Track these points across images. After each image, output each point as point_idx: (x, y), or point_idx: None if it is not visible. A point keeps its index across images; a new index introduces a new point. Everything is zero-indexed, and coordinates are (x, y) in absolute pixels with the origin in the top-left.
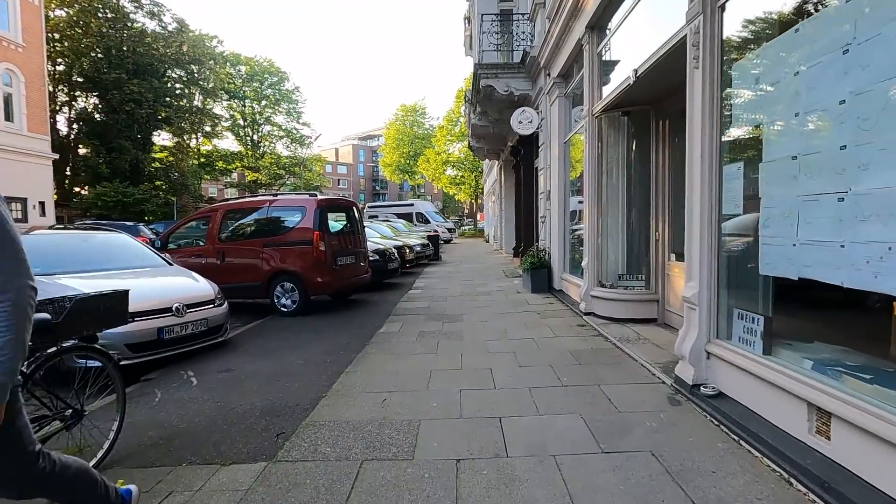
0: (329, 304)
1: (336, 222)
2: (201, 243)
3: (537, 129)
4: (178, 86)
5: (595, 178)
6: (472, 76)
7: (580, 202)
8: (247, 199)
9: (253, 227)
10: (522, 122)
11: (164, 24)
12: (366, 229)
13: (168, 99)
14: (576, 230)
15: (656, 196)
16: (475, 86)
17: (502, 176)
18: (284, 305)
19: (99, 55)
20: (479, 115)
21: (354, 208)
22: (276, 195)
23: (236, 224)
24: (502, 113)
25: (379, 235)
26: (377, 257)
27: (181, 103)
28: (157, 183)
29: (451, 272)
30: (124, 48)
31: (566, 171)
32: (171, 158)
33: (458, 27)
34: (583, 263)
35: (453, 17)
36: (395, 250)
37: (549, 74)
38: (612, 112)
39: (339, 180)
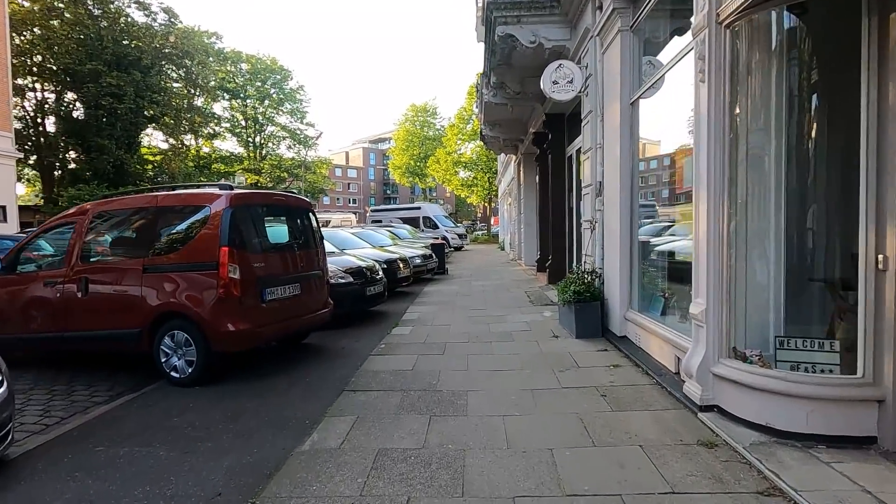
0: (261, 356)
1: (273, 231)
2: (60, 265)
3: (580, 91)
4: (174, 84)
5: (721, 148)
6: (485, 27)
7: (649, 200)
8: (128, 196)
9: (132, 240)
10: (559, 81)
11: (151, 14)
12: (352, 239)
13: (156, 95)
14: (656, 245)
15: (868, 177)
16: (488, 41)
17: (521, 173)
18: (176, 368)
19: (73, 45)
20: (493, 89)
21: (306, 211)
22: (173, 188)
23: (109, 235)
24: (525, 84)
25: (371, 246)
26: (350, 279)
27: (173, 101)
28: (141, 185)
29: (458, 293)
30: (103, 36)
31: (633, 151)
32: (157, 158)
33: (470, 19)
34: (692, 310)
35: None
36: (380, 268)
37: (599, 7)
38: (763, 8)
39: (349, 184)
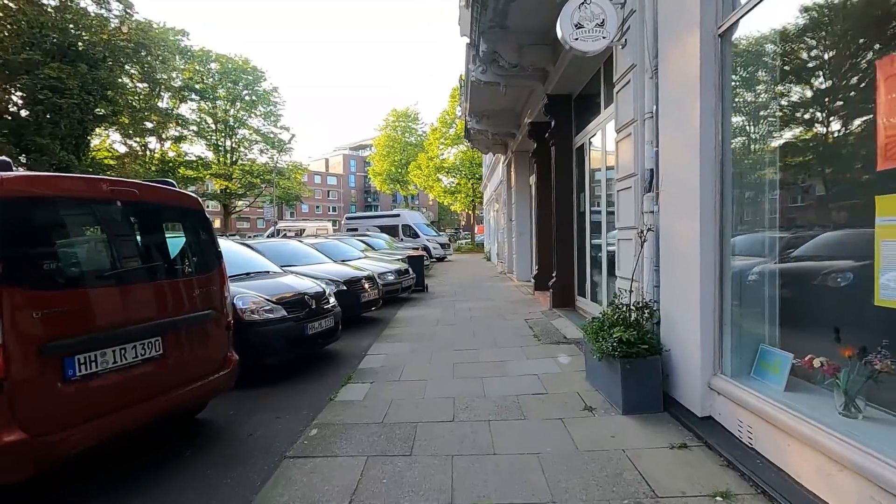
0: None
1: (100, 247)
2: None
3: (615, 38)
4: (129, 81)
5: None
6: None
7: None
8: None
9: None
10: (584, 24)
11: (103, 3)
12: (306, 252)
13: (108, 92)
14: (780, 268)
15: None
16: None
17: (512, 174)
18: None
19: (4, 33)
20: (482, 63)
21: (188, 214)
22: None
23: None
24: (523, 53)
25: (332, 261)
26: (283, 313)
27: (129, 99)
28: None
29: (440, 321)
30: (43, 23)
31: (724, 114)
32: (113, 162)
33: (453, 12)
34: None
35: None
36: (331, 293)
37: None
38: None
39: (329, 192)
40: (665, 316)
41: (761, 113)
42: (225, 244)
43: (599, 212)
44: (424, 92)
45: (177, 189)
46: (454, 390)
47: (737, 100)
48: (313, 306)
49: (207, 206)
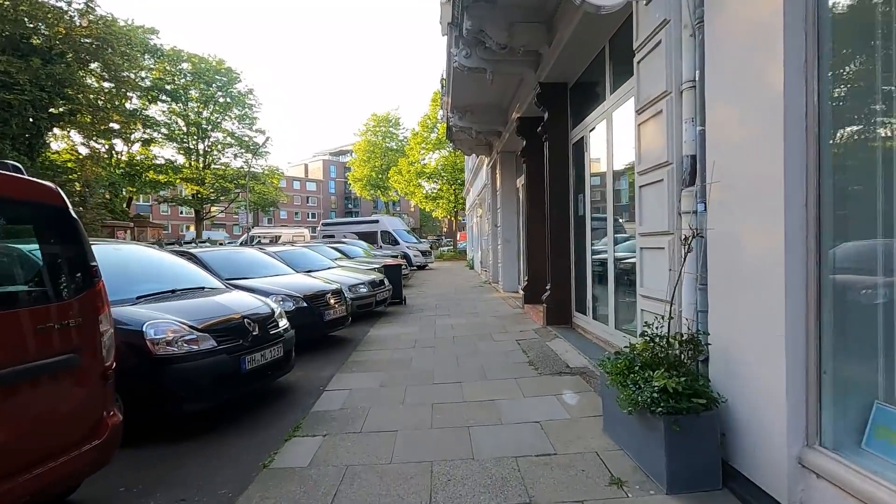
0: None
1: None
2: None
3: None
4: (89, 78)
5: None
6: None
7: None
8: None
9: None
10: None
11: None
12: (262, 261)
13: (66, 90)
14: None
15: None
16: None
17: (497, 176)
18: None
19: None
20: (466, 46)
21: (43, 209)
22: None
23: None
24: (514, 33)
25: (295, 271)
26: (211, 344)
27: (90, 97)
28: None
29: (417, 342)
30: None
31: (818, 71)
32: (71, 164)
33: (434, 13)
34: None
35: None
36: (281, 315)
37: None
38: None
39: (308, 198)
40: (719, 353)
41: (877, 65)
42: (143, 252)
43: (603, 216)
44: (405, 97)
45: (25, 176)
46: (432, 448)
47: (843, 50)
48: (256, 332)
49: (181, 212)
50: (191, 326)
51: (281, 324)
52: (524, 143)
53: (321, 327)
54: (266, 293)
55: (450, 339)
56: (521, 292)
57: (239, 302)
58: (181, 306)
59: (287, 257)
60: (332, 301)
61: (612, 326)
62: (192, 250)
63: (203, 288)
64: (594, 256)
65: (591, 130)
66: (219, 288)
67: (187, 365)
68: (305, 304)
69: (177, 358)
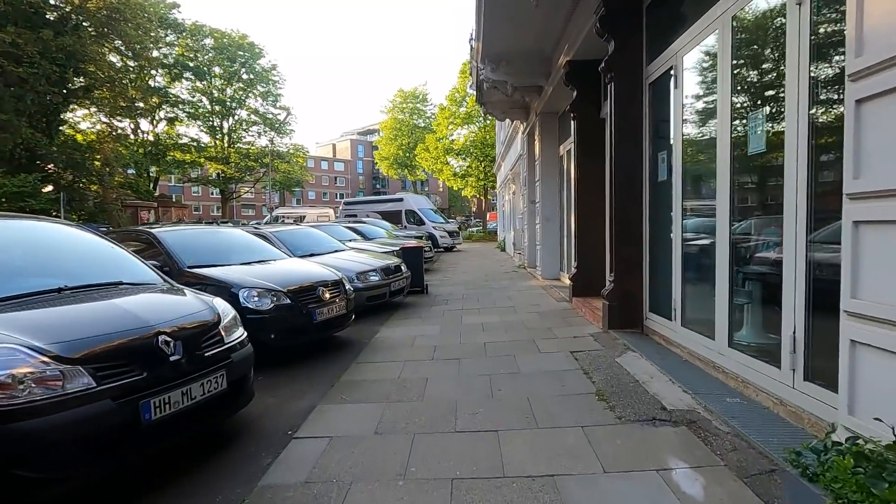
0: None
1: None
2: None
3: None
4: (109, 52)
5: None
6: None
7: None
8: None
9: None
10: None
11: None
12: (249, 243)
13: (82, 65)
14: None
15: None
16: None
17: (536, 144)
18: None
19: None
20: None
21: None
22: None
23: None
24: None
25: (289, 256)
26: (87, 382)
27: (108, 72)
28: (52, 170)
29: (436, 353)
30: None
31: None
32: (82, 139)
33: None
34: None
35: None
36: (234, 324)
37: None
38: None
39: (336, 178)
40: None
41: None
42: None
43: (709, 180)
44: (433, 73)
45: None
46: None
47: None
48: (175, 357)
49: (211, 193)
50: (51, 356)
51: (229, 338)
52: (574, 94)
53: (310, 331)
54: (232, 286)
55: (480, 346)
56: (569, 282)
57: (151, 307)
58: (37, 319)
59: (286, 238)
60: (326, 296)
61: (725, 343)
62: (154, 230)
63: (111, 284)
64: (687, 236)
65: (684, 56)
66: (138, 285)
67: (38, 422)
68: (289, 301)
69: (20, 412)
